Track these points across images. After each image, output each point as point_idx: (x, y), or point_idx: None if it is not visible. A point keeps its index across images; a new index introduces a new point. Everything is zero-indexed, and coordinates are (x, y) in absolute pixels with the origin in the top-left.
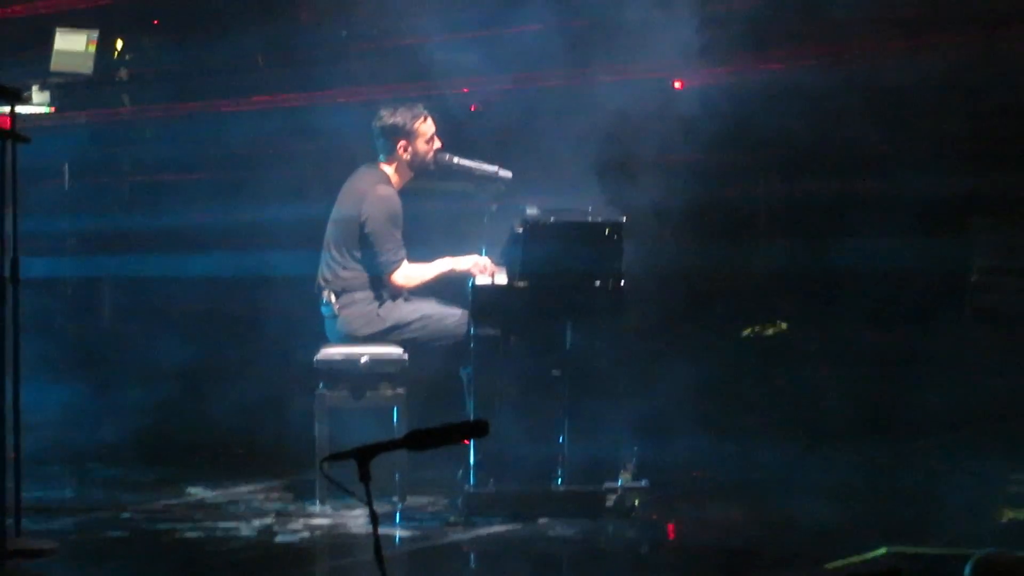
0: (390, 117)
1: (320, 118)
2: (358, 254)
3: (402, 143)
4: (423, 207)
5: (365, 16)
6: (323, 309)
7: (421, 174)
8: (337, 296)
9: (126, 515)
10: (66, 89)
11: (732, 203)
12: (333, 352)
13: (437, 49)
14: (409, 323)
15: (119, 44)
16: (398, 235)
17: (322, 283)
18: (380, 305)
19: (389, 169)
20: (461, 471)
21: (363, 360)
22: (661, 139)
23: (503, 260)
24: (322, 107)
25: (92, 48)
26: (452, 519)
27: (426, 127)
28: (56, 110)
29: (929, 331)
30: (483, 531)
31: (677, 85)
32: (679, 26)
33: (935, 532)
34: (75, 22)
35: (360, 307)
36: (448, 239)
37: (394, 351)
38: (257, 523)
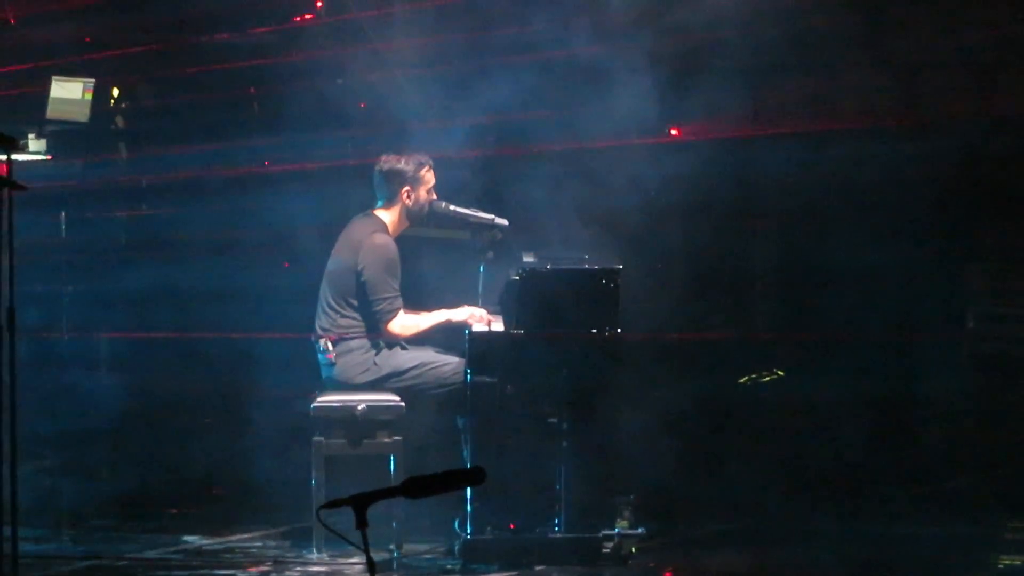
0: (396, 162)
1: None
2: (355, 302)
3: (406, 189)
4: (419, 255)
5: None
6: (320, 357)
7: (415, 223)
8: (334, 344)
9: (123, 564)
10: (62, 137)
11: (727, 254)
12: (330, 400)
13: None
14: (406, 371)
15: (115, 92)
16: (395, 284)
17: (319, 331)
18: (377, 353)
19: (386, 216)
20: (458, 519)
21: (360, 408)
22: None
23: (500, 308)
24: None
25: (88, 96)
26: (449, 567)
27: (429, 176)
28: (52, 158)
29: (927, 378)
30: None
31: (674, 132)
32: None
33: None
34: (71, 71)
35: (357, 355)
36: (444, 287)
37: (391, 399)
38: (254, 571)
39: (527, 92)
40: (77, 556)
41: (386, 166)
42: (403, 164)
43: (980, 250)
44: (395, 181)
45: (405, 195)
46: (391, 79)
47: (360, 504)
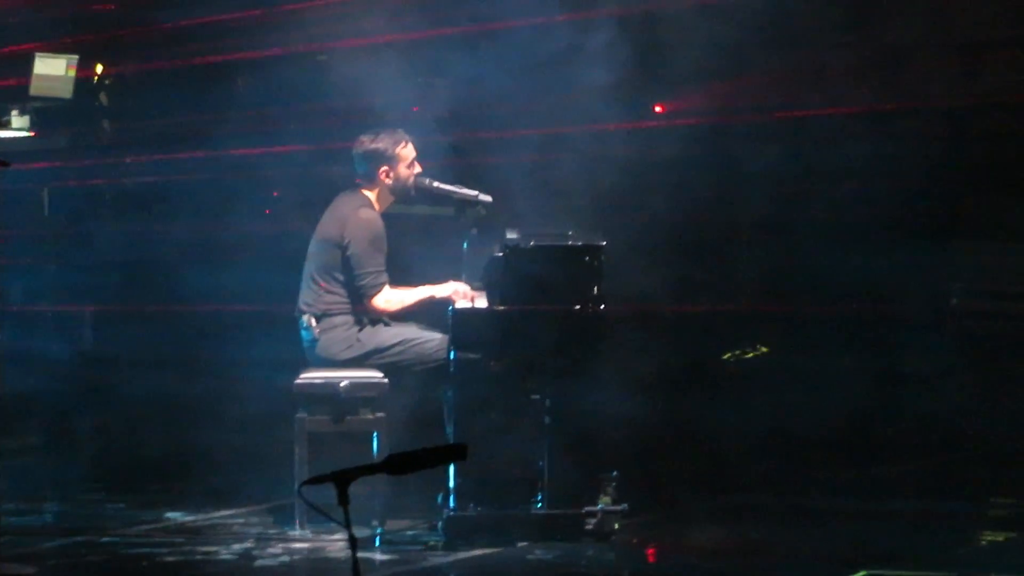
0: (371, 143)
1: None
2: (340, 277)
3: (383, 168)
4: (403, 231)
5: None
6: (303, 333)
7: (402, 199)
8: (318, 320)
9: (106, 540)
10: (46, 114)
11: (712, 225)
12: (313, 376)
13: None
14: (389, 347)
15: (99, 69)
16: (381, 259)
17: (303, 307)
18: (360, 329)
19: (370, 194)
20: (441, 495)
21: (343, 384)
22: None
23: (483, 284)
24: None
25: (72, 73)
26: (432, 543)
27: (407, 152)
28: (36, 135)
29: (910, 354)
30: (463, 555)
31: (658, 109)
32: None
33: (916, 555)
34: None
35: (340, 331)
36: (428, 263)
37: (374, 375)
38: (237, 547)
39: (508, 72)
40: (59, 532)
41: (361, 147)
42: (378, 143)
43: (965, 227)
44: (372, 161)
45: (384, 174)
46: (370, 58)
47: (342, 481)
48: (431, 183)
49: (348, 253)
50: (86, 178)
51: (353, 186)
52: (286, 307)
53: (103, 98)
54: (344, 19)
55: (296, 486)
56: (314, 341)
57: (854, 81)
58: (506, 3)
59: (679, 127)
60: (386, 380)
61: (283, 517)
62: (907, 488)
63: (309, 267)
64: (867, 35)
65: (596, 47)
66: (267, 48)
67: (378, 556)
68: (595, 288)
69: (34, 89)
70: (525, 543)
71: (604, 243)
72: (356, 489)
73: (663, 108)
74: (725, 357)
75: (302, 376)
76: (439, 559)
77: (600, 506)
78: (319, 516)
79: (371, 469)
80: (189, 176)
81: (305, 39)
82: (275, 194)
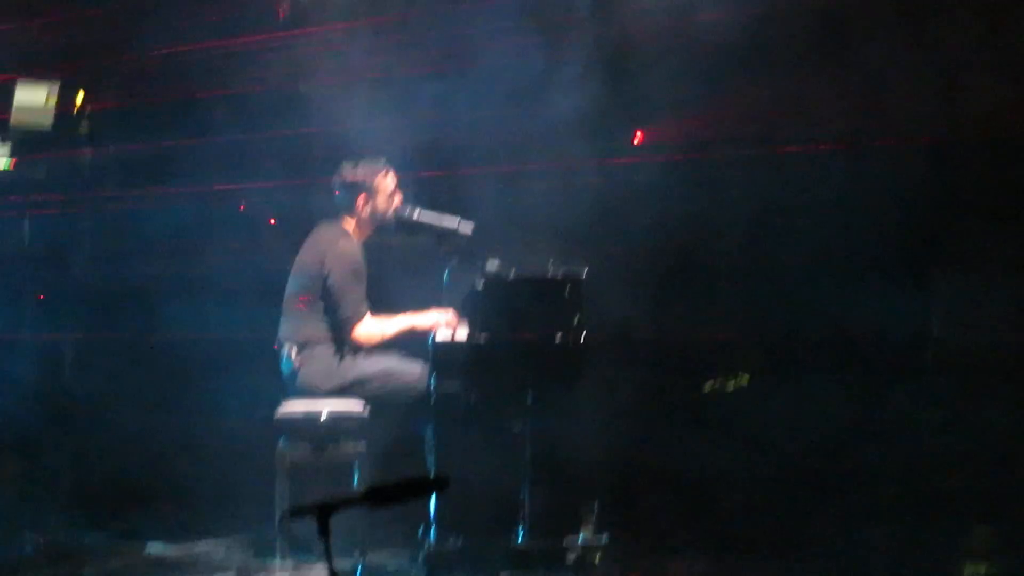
0: (351, 173)
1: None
2: (320, 308)
3: (362, 198)
4: (384, 261)
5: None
6: (284, 364)
7: (381, 229)
8: (298, 350)
9: (87, 572)
10: (26, 143)
11: (695, 257)
12: (294, 407)
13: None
14: (370, 378)
15: (80, 98)
16: (360, 289)
17: (283, 337)
18: (341, 360)
19: (350, 224)
20: (422, 526)
21: (323, 415)
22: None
23: (464, 315)
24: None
25: (52, 102)
26: (413, 575)
27: (387, 182)
28: (16, 163)
29: (890, 384)
30: None
31: (636, 138)
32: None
33: None
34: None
35: (321, 362)
36: (409, 292)
37: (355, 406)
38: None
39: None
40: (41, 562)
41: (341, 177)
42: (358, 174)
43: (946, 258)
44: (352, 191)
45: (362, 204)
46: (348, 90)
47: (323, 512)
48: (411, 213)
49: (328, 283)
50: (67, 207)
51: (333, 216)
52: (267, 336)
53: (84, 127)
54: (323, 54)
55: (277, 517)
56: (295, 371)
57: (833, 112)
58: (481, 36)
59: (658, 157)
60: (367, 411)
61: (265, 548)
62: (889, 518)
63: (289, 297)
64: (846, 65)
65: (572, 78)
66: (246, 80)
67: None
68: (575, 319)
69: (14, 118)
70: (506, 575)
71: (584, 274)
72: (337, 520)
73: (642, 136)
74: (706, 387)
75: (283, 406)
76: None
77: (581, 538)
78: (301, 547)
79: (352, 501)
80: (168, 205)
81: (284, 71)
82: (271, 221)
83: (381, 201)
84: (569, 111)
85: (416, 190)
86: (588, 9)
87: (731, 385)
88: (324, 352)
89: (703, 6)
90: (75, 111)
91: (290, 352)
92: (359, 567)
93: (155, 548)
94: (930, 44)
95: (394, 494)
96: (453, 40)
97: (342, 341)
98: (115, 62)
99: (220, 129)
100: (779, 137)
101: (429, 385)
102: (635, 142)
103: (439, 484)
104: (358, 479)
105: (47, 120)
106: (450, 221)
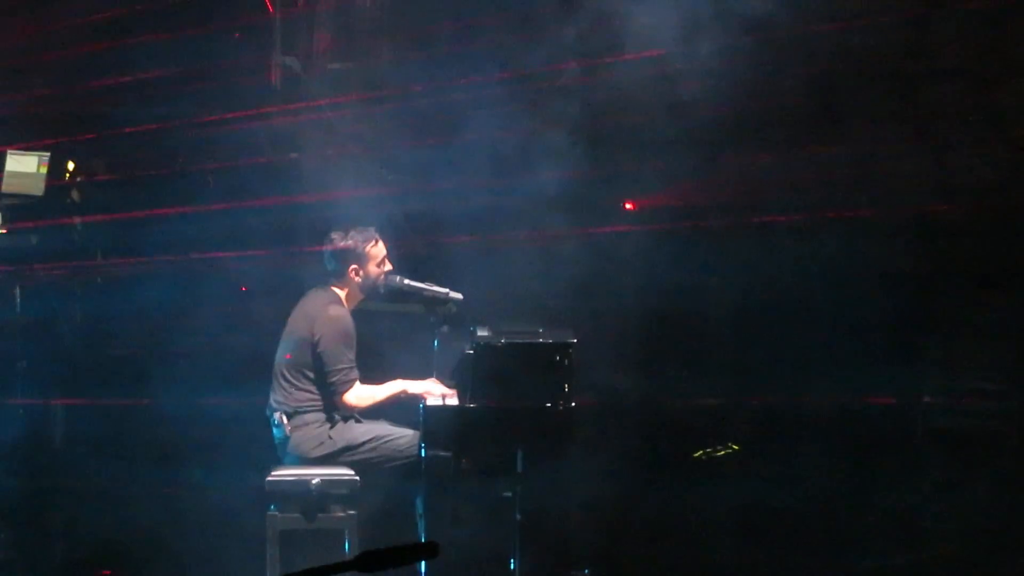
0: (341, 240)
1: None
2: (310, 375)
3: (353, 267)
4: (374, 328)
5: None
6: (275, 431)
7: (371, 296)
8: (289, 418)
9: None
10: (17, 211)
11: (685, 325)
12: (284, 474)
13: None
14: (360, 444)
15: (70, 166)
16: (351, 355)
17: (273, 404)
18: (332, 427)
19: (340, 291)
20: None
21: (314, 482)
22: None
23: (454, 381)
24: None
25: (43, 170)
26: None
27: (377, 251)
28: (7, 231)
29: (882, 453)
30: None
31: (628, 207)
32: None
33: None
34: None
35: (311, 429)
36: (398, 360)
37: (345, 473)
38: None
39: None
40: None
41: (331, 246)
42: (348, 242)
43: (935, 323)
44: (342, 260)
45: (353, 273)
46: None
47: None
48: (401, 281)
49: (319, 350)
50: (57, 275)
51: (323, 283)
52: (257, 404)
53: (75, 195)
54: (311, 126)
55: None
56: (286, 438)
57: (823, 183)
58: (468, 104)
59: (647, 226)
60: (357, 478)
61: None
62: None
63: (279, 364)
64: (837, 137)
65: (560, 146)
66: (236, 152)
67: None
68: (566, 385)
69: (5, 186)
70: None
71: (574, 340)
72: None
73: (633, 206)
74: (696, 455)
75: (273, 473)
76: None
77: None
78: None
79: (343, 567)
80: (158, 271)
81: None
82: (243, 288)
83: (371, 269)
84: (556, 181)
85: (405, 258)
86: (577, 79)
87: (721, 453)
88: (315, 419)
89: (691, 76)
90: (66, 179)
91: (280, 419)
92: None
93: None
94: (919, 118)
95: (385, 560)
96: (441, 110)
97: (332, 407)
98: (104, 134)
99: (209, 198)
100: (768, 207)
101: (419, 451)
102: (625, 210)
103: (429, 550)
104: (349, 545)
105: (38, 188)
106: (440, 289)
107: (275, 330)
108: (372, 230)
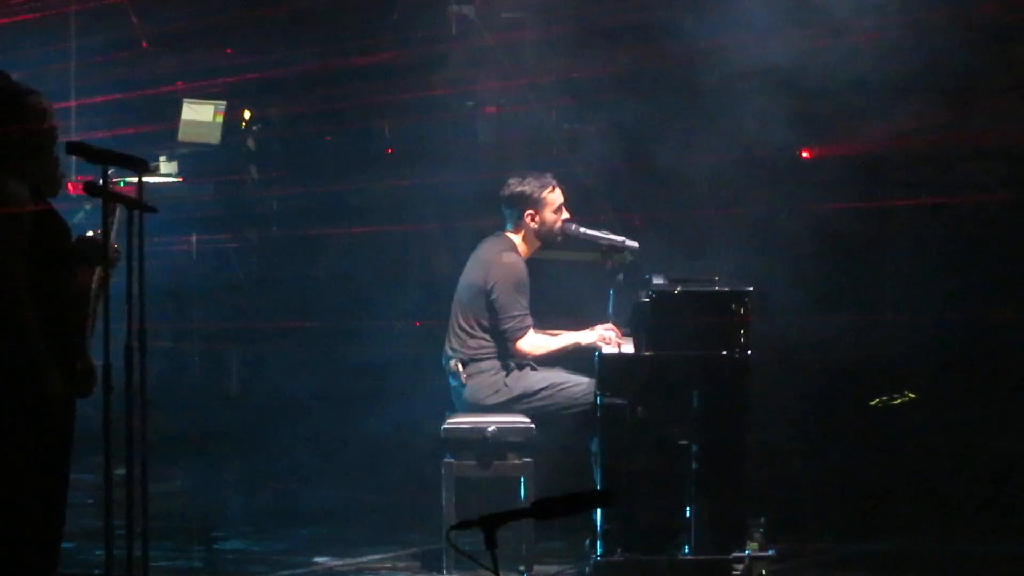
0: (518, 186)
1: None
2: (485, 322)
3: (529, 212)
4: (549, 277)
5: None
6: (450, 379)
7: (547, 243)
8: (464, 365)
9: None
10: (194, 159)
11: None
12: (460, 421)
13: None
14: (536, 392)
15: (247, 115)
16: (524, 302)
17: (449, 352)
18: (507, 374)
19: (516, 238)
20: (588, 540)
21: (490, 429)
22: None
23: (630, 330)
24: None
25: (219, 118)
26: None
27: (554, 196)
28: (184, 180)
29: None
30: None
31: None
32: None
33: None
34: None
35: (487, 376)
36: (574, 309)
37: (521, 420)
38: None
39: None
40: (208, 575)
41: (508, 190)
42: (525, 187)
43: None
44: (519, 205)
45: (529, 218)
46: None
47: (490, 525)
48: (578, 228)
49: (492, 297)
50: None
51: (499, 230)
52: (433, 352)
53: (250, 143)
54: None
55: (444, 530)
56: (461, 386)
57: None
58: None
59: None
60: (533, 425)
61: (431, 562)
62: None
63: (455, 312)
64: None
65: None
66: (411, 92)
67: None
68: (742, 334)
69: (182, 135)
70: None
71: (751, 289)
72: (503, 534)
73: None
74: (872, 403)
75: (449, 421)
76: None
77: (748, 552)
78: (467, 561)
79: (519, 514)
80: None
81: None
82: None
83: (548, 215)
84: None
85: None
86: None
87: (898, 401)
88: (490, 367)
89: None
90: (242, 127)
91: (456, 367)
92: None
93: (323, 560)
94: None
95: (560, 508)
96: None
97: (507, 355)
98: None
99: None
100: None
101: (595, 398)
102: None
103: (605, 499)
104: (524, 493)
105: (214, 137)
106: (616, 237)
107: (452, 278)
108: (549, 176)
